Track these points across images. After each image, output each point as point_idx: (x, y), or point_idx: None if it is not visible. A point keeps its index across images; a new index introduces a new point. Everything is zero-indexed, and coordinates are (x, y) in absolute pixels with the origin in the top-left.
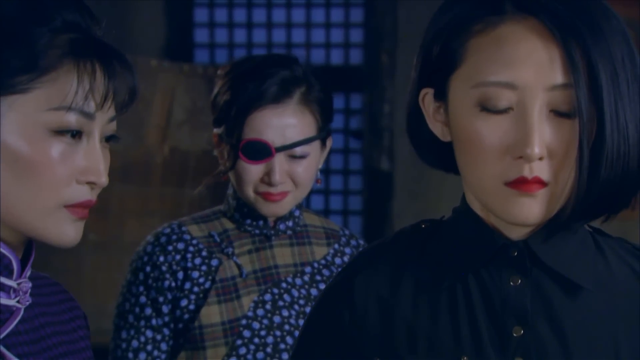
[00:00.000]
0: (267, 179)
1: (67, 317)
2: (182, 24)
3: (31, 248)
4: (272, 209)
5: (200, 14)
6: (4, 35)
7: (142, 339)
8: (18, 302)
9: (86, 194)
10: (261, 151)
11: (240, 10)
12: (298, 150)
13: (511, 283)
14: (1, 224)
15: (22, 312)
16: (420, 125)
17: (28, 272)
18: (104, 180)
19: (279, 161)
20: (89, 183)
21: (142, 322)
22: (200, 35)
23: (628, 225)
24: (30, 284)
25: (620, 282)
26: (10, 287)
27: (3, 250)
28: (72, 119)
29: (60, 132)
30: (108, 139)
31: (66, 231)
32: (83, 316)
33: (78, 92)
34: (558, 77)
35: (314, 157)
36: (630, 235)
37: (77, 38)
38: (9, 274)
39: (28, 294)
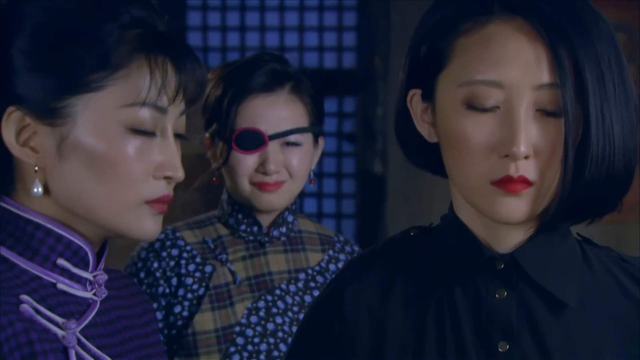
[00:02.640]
0: (262, 168)
1: (139, 310)
2: (175, 28)
3: (106, 241)
4: (268, 200)
5: (194, 18)
6: (74, 33)
7: None
8: (94, 294)
9: (163, 189)
10: (255, 140)
11: (233, 14)
12: (291, 137)
13: (497, 296)
14: (79, 219)
15: (98, 305)
16: (408, 126)
17: (102, 264)
18: (180, 174)
19: (273, 149)
20: (165, 178)
21: None
22: (194, 39)
23: (627, 228)
24: (105, 277)
25: (605, 295)
26: (86, 279)
27: (79, 243)
28: (146, 115)
29: (135, 130)
30: (177, 136)
31: (147, 225)
32: (153, 309)
33: (151, 87)
34: (545, 76)
35: (307, 149)
36: (629, 236)
37: (145, 33)
38: (84, 266)
39: (103, 287)
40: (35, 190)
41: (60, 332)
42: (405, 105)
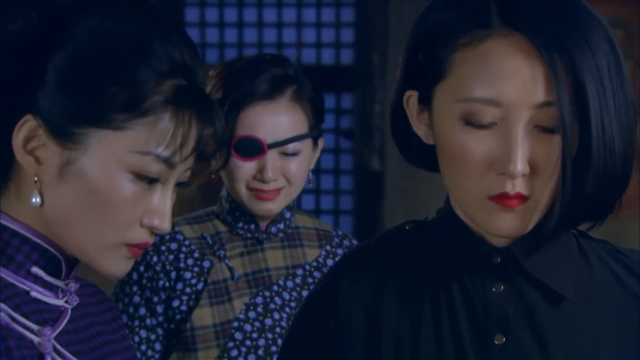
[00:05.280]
0: (259, 175)
1: (108, 317)
2: None
3: None
4: (265, 207)
5: (191, 14)
6: (113, 70)
7: (136, 339)
8: (66, 302)
9: (146, 237)
10: (253, 148)
11: (231, 10)
12: (290, 147)
13: (494, 290)
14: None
15: (70, 312)
16: (404, 125)
17: (75, 272)
18: (166, 226)
19: (272, 158)
20: (151, 227)
21: (136, 322)
22: (192, 35)
23: (626, 224)
24: (77, 285)
25: (602, 287)
26: (58, 287)
27: (54, 252)
28: (155, 166)
29: (140, 175)
30: (179, 184)
31: (119, 266)
32: (120, 316)
33: (170, 144)
34: (543, 95)
35: (306, 155)
36: (628, 233)
37: (180, 87)
38: (57, 274)
39: (74, 294)
40: (34, 200)
41: (36, 339)
42: (402, 105)
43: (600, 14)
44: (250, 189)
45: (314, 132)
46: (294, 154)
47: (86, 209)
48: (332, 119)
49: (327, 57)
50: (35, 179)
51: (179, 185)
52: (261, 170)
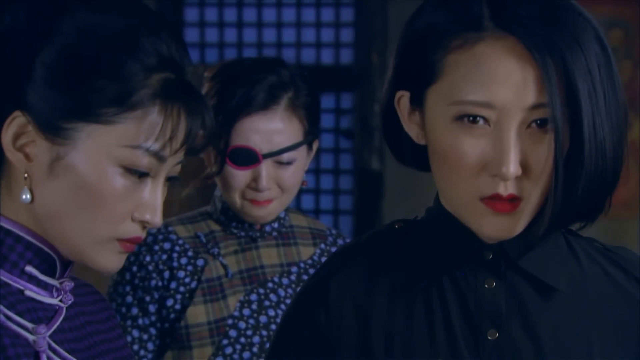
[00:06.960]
0: (254, 184)
1: (103, 316)
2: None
3: None
4: (258, 215)
5: (191, 13)
6: (101, 64)
7: (129, 338)
8: (60, 300)
9: (138, 231)
10: (248, 157)
11: (230, 10)
12: (285, 156)
13: (486, 286)
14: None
15: (64, 311)
16: (395, 125)
17: (69, 271)
18: (157, 220)
19: (266, 167)
20: (142, 221)
21: (129, 322)
22: (191, 35)
23: (625, 224)
24: (72, 284)
25: (592, 282)
26: (53, 286)
27: (48, 250)
28: (145, 160)
29: (130, 169)
30: (169, 178)
31: (111, 261)
32: (115, 315)
33: (159, 137)
34: (536, 97)
35: (300, 163)
36: (627, 233)
37: (169, 81)
38: (52, 273)
39: (69, 293)
40: (24, 196)
41: (31, 337)
42: (393, 104)
43: (600, 14)
44: (244, 198)
45: (309, 139)
46: (289, 163)
47: (77, 204)
48: (332, 119)
49: (327, 57)
50: (25, 175)
51: (169, 179)
52: (255, 180)
